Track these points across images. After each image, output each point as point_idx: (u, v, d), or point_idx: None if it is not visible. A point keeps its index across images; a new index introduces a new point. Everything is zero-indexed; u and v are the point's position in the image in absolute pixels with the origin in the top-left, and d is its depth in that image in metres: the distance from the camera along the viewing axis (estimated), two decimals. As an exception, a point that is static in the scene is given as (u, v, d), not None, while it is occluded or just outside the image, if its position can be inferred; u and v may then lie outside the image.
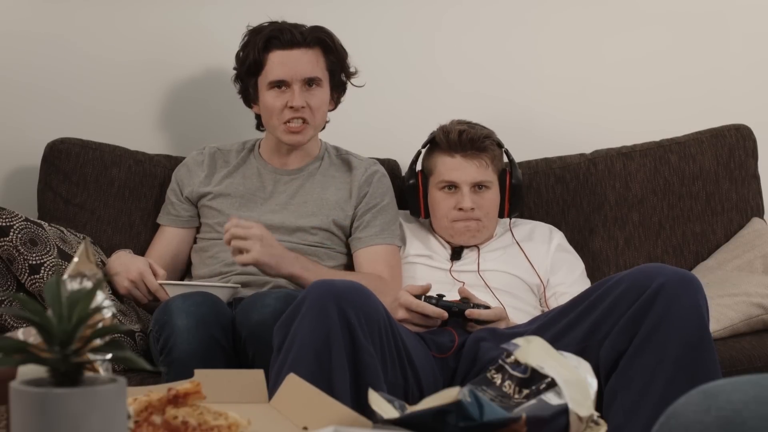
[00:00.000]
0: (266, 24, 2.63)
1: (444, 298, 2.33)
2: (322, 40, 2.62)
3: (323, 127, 2.71)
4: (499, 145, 2.66)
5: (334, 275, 2.50)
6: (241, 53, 2.64)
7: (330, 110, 2.70)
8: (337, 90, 2.69)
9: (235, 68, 2.67)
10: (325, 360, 1.98)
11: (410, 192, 2.69)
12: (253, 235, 2.41)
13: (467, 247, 2.65)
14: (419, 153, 2.70)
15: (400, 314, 2.32)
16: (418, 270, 2.61)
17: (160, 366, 2.25)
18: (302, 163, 2.70)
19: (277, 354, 2.05)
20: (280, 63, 2.59)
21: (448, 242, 2.66)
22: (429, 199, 2.67)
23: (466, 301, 2.34)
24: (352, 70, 2.70)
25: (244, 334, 2.29)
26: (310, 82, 2.60)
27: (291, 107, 2.58)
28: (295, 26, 2.62)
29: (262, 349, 2.20)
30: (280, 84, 2.59)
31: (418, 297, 2.33)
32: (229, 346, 2.32)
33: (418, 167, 2.71)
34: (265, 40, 2.59)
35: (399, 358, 2.13)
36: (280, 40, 2.59)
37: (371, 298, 2.09)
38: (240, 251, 2.41)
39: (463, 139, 2.59)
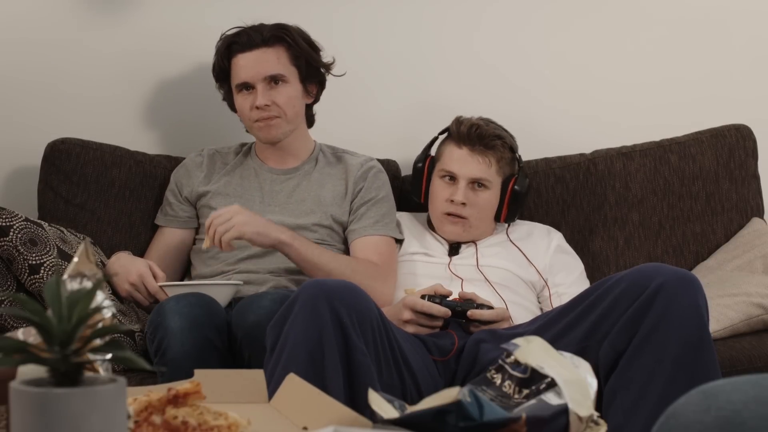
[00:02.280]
0: (231, 30, 2.66)
1: (447, 299, 2.34)
2: (281, 38, 2.63)
3: (312, 123, 2.73)
4: (512, 150, 2.65)
5: (322, 252, 2.51)
6: (213, 62, 2.68)
7: (310, 103, 2.71)
8: (312, 82, 2.69)
9: None
10: (318, 359, 1.99)
11: (416, 174, 2.69)
12: (229, 210, 2.43)
13: (464, 242, 2.64)
14: (435, 138, 2.70)
15: (406, 315, 2.32)
16: (417, 266, 2.61)
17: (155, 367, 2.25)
18: (297, 163, 2.71)
19: (270, 354, 2.05)
20: (242, 66, 2.62)
21: (444, 237, 2.66)
22: (431, 185, 2.67)
23: (469, 301, 2.34)
24: (327, 60, 2.69)
25: (239, 336, 2.30)
26: (274, 80, 2.61)
27: (257, 107, 2.60)
28: (255, 28, 2.63)
29: (258, 350, 2.19)
30: (246, 86, 2.62)
31: (421, 297, 2.33)
32: (224, 347, 2.32)
33: (432, 152, 2.70)
34: (226, 46, 2.64)
35: (393, 358, 2.13)
36: (239, 44, 2.62)
37: (363, 298, 2.09)
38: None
39: (472, 133, 2.59)
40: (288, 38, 2.63)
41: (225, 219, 2.42)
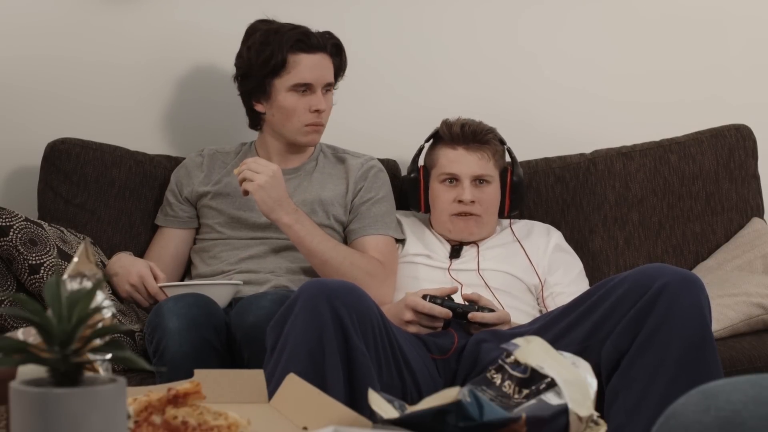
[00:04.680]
0: (284, 24, 2.62)
1: (448, 300, 2.34)
2: (338, 47, 2.65)
3: None
4: (501, 142, 2.67)
5: (324, 240, 2.51)
6: (258, 51, 2.59)
7: None
8: None
9: (238, 65, 2.64)
10: (318, 360, 1.99)
11: (411, 185, 2.69)
12: (266, 170, 2.46)
13: (466, 244, 2.65)
14: (422, 147, 2.72)
15: (407, 315, 2.32)
16: (417, 269, 2.61)
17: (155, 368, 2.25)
18: (299, 163, 2.71)
19: (270, 354, 2.05)
20: (307, 66, 2.59)
21: (447, 239, 2.66)
22: (429, 193, 2.67)
23: (471, 302, 2.34)
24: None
25: (239, 336, 2.30)
26: (327, 87, 2.63)
27: (316, 111, 2.59)
28: (317, 32, 2.63)
29: (257, 350, 2.19)
30: (304, 87, 2.60)
31: (422, 298, 2.33)
32: (223, 347, 2.32)
33: (421, 162, 2.72)
34: (293, 41, 2.58)
35: (394, 358, 2.13)
36: (306, 44, 2.59)
37: (364, 298, 2.09)
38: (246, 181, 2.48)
39: (465, 131, 2.61)
40: (342, 49, 2.66)
41: (256, 171, 2.46)
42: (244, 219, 2.64)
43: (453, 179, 2.62)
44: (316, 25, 2.67)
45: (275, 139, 2.67)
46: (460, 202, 2.60)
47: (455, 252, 2.63)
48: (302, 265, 2.60)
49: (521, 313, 2.49)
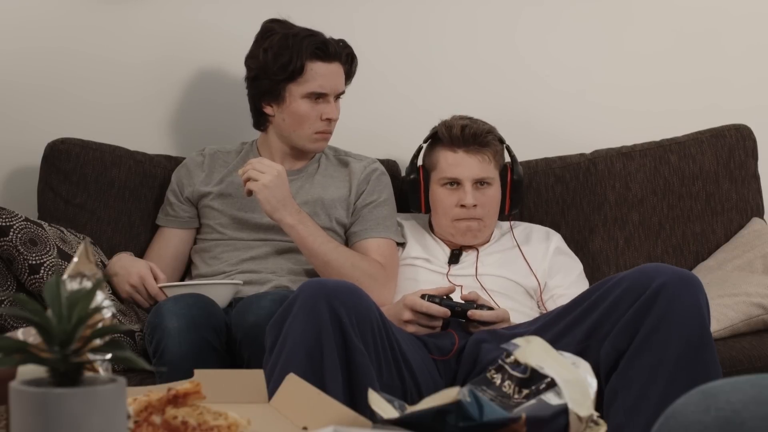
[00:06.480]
0: (301, 29, 2.61)
1: (447, 299, 2.34)
2: (352, 57, 2.66)
3: None
4: (501, 141, 2.67)
5: (326, 242, 2.51)
6: (276, 55, 2.57)
7: None
8: None
9: (251, 66, 2.62)
10: (317, 360, 1.98)
11: (411, 187, 2.68)
12: (271, 170, 2.46)
13: (466, 249, 2.64)
14: (420, 148, 2.71)
15: (406, 315, 2.32)
16: (417, 272, 2.61)
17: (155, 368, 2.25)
18: (301, 165, 2.71)
19: (269, 354, 2.05)
20: (324, 76, 2.59)
21: (448, 242, 2.66)
22: (430, 195, 2.66)
23: (470, 301, 2.34)
24: None
25: (239, 336, 2.30)
26: (338, 97, 2.63)
27: (327, 119, 2.60)
28: (331, 39, 2.62)
29: (257, 350, 2.19)
30: (318, 95, 2.59)
31: (421, 297, 2.33)
32: (222, 347, 2.32)
33: (420, 162, 2.71)
34: (312, 49, 2.58)
35: (394, 359, 2.13)
36: (325, 52, 2.59)
37: (364, 298, 2.08)
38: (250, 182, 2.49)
39: (465, 134, 2.59)
40: (356, 59, 2.66)
41: (261, 170, 2.46)
42: (247, 220, 2.63)
43: (454, 183, 2.61)
44: (318, 25, 2.67)
45: (280, 141, 2.67)
46: (462, 206, 2.59)
47: (454, 257, 2.62)
48: (304, 267, 2.60)
49: (520, 315, 2.48)
